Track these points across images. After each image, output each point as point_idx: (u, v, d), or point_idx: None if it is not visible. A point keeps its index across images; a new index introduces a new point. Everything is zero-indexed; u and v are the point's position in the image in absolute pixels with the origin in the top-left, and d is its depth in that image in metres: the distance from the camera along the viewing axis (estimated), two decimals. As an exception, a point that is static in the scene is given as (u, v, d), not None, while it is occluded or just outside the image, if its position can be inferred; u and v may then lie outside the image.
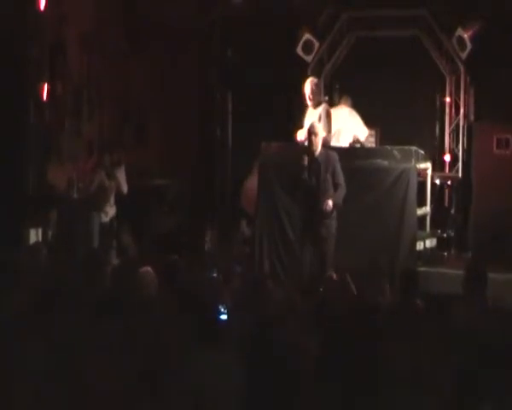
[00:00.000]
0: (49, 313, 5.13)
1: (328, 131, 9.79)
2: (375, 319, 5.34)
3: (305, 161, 8.64)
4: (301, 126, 9.68)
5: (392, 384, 4.68)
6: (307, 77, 10.20)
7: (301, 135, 9.57)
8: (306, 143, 8.88)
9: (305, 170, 8.63)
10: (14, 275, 6.03)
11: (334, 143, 10.36)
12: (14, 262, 6.40)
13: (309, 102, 9.79)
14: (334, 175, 8.64)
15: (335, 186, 8.65)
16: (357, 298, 6.75)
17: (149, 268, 6.27)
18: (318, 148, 8.71)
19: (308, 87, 9.80)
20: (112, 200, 10.52)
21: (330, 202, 8.50)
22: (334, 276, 7.17)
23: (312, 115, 9.77)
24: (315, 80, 10.05)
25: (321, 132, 8.88)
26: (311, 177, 8.64)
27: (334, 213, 8.66)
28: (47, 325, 4.96)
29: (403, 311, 5.97)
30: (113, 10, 12.24)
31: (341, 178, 8.67)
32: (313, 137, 8.69)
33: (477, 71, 11.65)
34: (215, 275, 8.24)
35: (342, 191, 8.65)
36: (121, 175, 10.53)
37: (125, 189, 10.57)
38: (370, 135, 11.51)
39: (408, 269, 7.19)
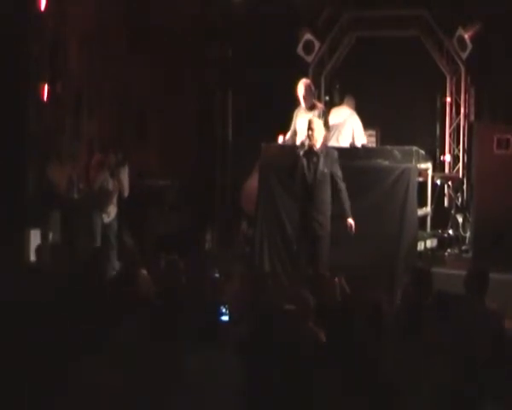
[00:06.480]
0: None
1: (327, 129, 9.84)
2: (376, 318, 5.33)
3: (302, 152, 8.69)
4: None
5: (394, 384, 4.67)
6: (300, 78, 10.23)
7: (281, 139, 9.86)
8: (305, 138, 8.90)
9: (303, 161, 8.65)
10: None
11: (333, 143, 10.39)
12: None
13: (303, 104, 9.81)
14: (332, 172, 8.64)
15: (334, 186, 8.63)
16: (356, 298, 6.73)
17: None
18: (318, 142, 8.71)
19: (302, 88, 9.83)
20: (114, 200, 10.42)
21: (351, 221, 8.57)
22: (336, 278, 7.15)
23: (306, 118, 9.81)
24: (308, 81, 10.07)
25: (320, 128, 8.87)
26: (310, 169, 8.65)
27: (329, 212, 8.68)
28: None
29: (416, 311, 5.94)
30: (113, 10, 12.23)
31: (341, 182, 8.65)
32: (311, 132, 8.69)
33: (477, 71, 11.64)
34: (215, 275, 8.22)
35: (347, 199, 8.64)
36: (124, 176, 10.30)
37: (126, 192, 10.34)
38: (370, 135, 11.51)
39: (422, 268, 7.14)
